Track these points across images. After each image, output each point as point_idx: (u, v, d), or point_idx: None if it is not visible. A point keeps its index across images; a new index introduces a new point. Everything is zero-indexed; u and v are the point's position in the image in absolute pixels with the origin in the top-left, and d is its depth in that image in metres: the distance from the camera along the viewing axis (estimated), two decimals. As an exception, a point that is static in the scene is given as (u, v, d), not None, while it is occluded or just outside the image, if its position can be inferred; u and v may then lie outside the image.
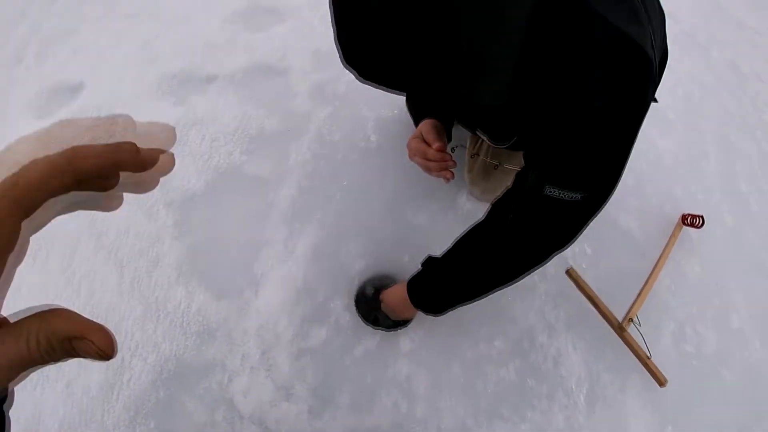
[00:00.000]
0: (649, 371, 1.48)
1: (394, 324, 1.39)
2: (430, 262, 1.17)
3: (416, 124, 1.20)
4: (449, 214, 1.60)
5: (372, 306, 1.39)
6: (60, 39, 2.25)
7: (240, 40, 1.99)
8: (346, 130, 1.73)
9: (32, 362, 0.29)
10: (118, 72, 1.99)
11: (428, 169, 1.09)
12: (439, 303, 1.17)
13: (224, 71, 1.89)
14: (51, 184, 0.29)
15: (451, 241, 1.13)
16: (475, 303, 1.18)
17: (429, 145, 1.08)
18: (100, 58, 2.08)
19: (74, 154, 0.31)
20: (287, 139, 1.70)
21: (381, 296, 1.35)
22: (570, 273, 1.53)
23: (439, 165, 1.06)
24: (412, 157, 1.12)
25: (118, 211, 0.93)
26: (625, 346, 1.49)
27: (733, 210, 2.02)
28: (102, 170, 0.32)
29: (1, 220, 0.28)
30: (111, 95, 1.90)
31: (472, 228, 1.09)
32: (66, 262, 1.49)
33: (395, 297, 1.28)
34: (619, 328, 1.47)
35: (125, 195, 0.38)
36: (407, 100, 1.29)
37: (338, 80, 1.86)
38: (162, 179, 1.08)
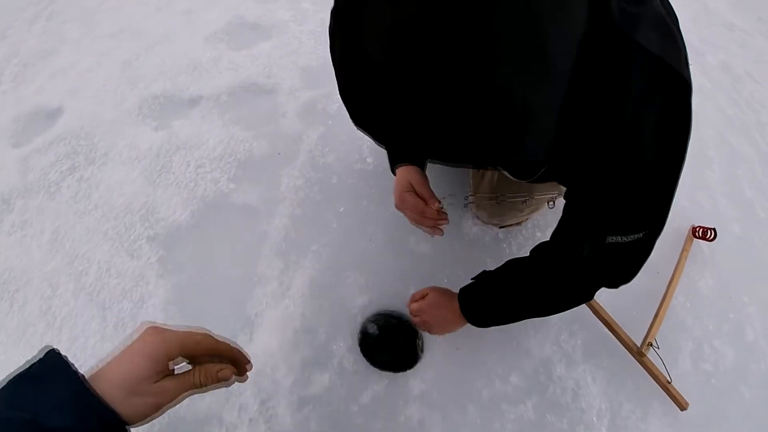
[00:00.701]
0: (670, 396, 1.39)
1: (402, 365, 1.26)
2: (484, 276, 1.16)
3: (392, 162, 1.13)
4: (455, 241, 1.48)
5: (377, 346, 1.26)
6: (39, 61, 2.11)
7: (224, 59, 1.86)
8: (340, 152, 1.60)
9: (193, 388, 0.58)
10: (98, 94, 1.86)
11: (419, 224, 1.08)
12: (488, 318, 1.17)
13: (208, 92, 1.75)
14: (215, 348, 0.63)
15: (505, 262, 1.14)
16: (489, 335, 1.20)
17: (424, 200, 1.06)
18: (79, 80, 1.95)
19: (217, 343, 0.64)
20: (277, 163, 1.56)
21: (418, 307, 1.22)
22: None
23: (434, 222, 1.05)
24: (403, 210, 1.09)
25: (97, 247, 1.25)
26: (645, 372, 1.40)
27: (740, 217, 1.94)
28: (227, 355, 0.66)
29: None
30: (90, 120, 1.77)
31: (535, 259, 1.06)
32: (45, 304, 1.36)
33: (442, 307, 1.19)
34: (639, 354, 1.38)
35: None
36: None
37: (329, 97, 1.73)
38: (145, 211, 1.42)
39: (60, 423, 0.47)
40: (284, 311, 1.30)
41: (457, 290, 1.20)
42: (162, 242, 1.43)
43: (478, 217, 1.49)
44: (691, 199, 1.89)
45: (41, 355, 0.52)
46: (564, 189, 1.12)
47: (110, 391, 0.51)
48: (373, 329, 1.27)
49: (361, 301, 1.33)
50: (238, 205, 1.49)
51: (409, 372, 1.27)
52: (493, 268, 1.28)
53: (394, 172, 1.14)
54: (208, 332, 0.61)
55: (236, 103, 1.72)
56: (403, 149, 0.57)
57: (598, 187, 0.78)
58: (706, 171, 2.03)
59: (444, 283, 1.41)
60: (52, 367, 0.51)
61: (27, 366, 0.51)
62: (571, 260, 0.95)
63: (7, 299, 1.37)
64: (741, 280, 1.75)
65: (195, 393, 0.59)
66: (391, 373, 1.26)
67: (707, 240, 1.72)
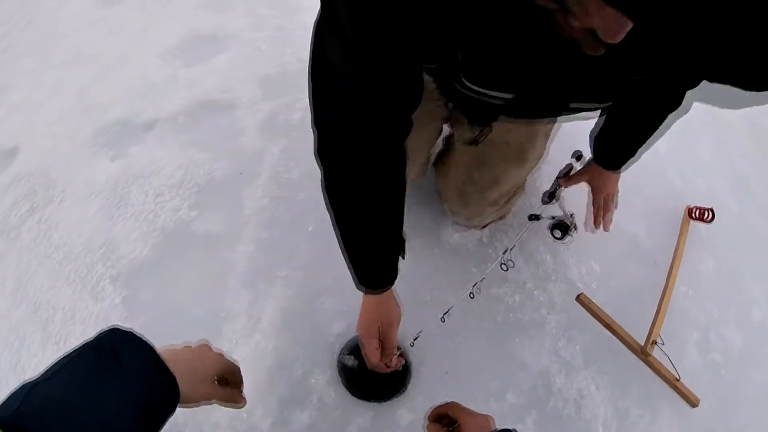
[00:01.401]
0: (679, 394, 1.31)
1: (388, 394, 1.15)
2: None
3: (364, 281, 0.97)
4: (435, 250, 1.37)
5: (359, 376, 1.16)
6: None
7: (180, 77, 1.74)
8: (305, 165, 1.47)
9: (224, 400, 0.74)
10: (53, 128, 1.75)
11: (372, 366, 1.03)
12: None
13: (164, 114, 1.64)
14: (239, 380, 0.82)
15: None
16: (479, 351, 1.22)
17: (386, 352, 1.01)
18: (34, 115, 1.84)
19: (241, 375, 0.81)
20: (239, 184, 1.45)
21: None
22: (581, 299, 1.32)
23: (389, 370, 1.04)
24: (362, 348, 1.02)
25: (60, 292, 1.21)
26: (651, 372, 1.31)
27: (735, 193, 1.85)
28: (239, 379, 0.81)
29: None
30: (46, 156, 1.66)
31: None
32: (14, 357, 1.27)
33: None
34: (644, 354, 1.29)
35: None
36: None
37: (291, 107, 1.61)
38: (105, 249, 1.36)
39: (146, 385, 0.57)
40: (255, 347, 1.19)
41: (444, 307, 1.13)
42: (125, 281, 1.33)
43: (458, 223, 1.38)
44: (684, 179, 1.78)
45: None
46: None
47: (179, 374, 0.62)
48: (351, 361, 1.16)
49: (338, 328, 1.22)
50: (201, 233, 1.37)
51: (395, 400, 1.16)
52: (478, 276, 1.21)
53: (361, 288, 0.98)
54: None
55: (193, 123, 1.60)
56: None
57: None
58: (698, 148, 1.93)
59: (427, 300, 1.31)
60: (124, 338, 0.61)
61: (95, 338, 0.59)
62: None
63: (-24, 353, 1.27)
64: (742, 259, 1.67)
65: (219, 404, 0.74)
66: (376, 404, 1.15)
67: (705, 221, 1.62)
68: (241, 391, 0.80)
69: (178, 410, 1.07)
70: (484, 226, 1.42)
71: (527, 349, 1.29)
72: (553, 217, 1.33)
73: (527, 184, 1.38)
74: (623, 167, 1.26)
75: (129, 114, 1.70)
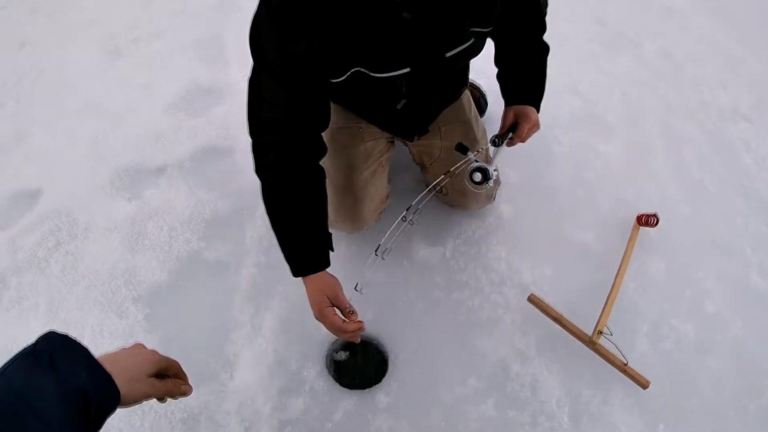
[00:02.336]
0: (629, 377, 1.55)
1: (369, 382, 1.50)
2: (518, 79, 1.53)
3: (297, 269, 1.23)
4: (404, 264, 1.75)
5: (351, 371, 1.52)
6: (12, 145, 2.38)
7: (184, 126, 2.14)
8: None
9: (167, 393, 0.82)
10: (72, 173, 2.13)
11: (339, 336, 1.24)
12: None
13: (172, 160, 2.04)
14: (180, 372, 0.89)
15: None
16: (445, 346, 1.54)
17: (344, 313, 1.22)
18: (53, 161, 2.22)
19: (181, 368, 0.90)
20: (241, 218, 1.85)
21: None
22: (531, 299, 1.63)
23: (354, 334, 1.20)
24: (323, 323, 1.22)
25: (89, 313, 1.58)
26: (601, 359, 1.56)
27: (689, 197, 2.14)
28: (179, 372, 0.89)
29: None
30: (68, 198, 2.04)
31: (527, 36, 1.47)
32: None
33: None
34: (590, 342, 1.55)
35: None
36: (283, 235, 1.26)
37: None
38: (127, 276, 1.72)
39: (81, 384, 0.62)
40: (258, 349, 1.55)
41: (412, 315, 1.52)
42: (146, 302, 1.69)
43: (467, 208, 1.81)
44: (636, 189, 2.11)
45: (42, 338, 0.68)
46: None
47: (115, 373, 0.68)
48: (337, 357, 1.52)
49: (326, 331, 1.55)
50: (210, 260, 1.76)
51: (375, 387, 1.51)
52: (443, 285, 1.63)
53: (296, 275, 1.23)
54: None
55: (199, 167, 2.00)
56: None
57: None
58: (648, 159, 2.26)
59: (399, 305, 1.66)
60: (59, 342, 0.67)
61: (32, 345, 0.66)
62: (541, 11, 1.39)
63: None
64: (695, 258, 1.94)
65: (164, 396, 0.83)
66: (359, 391, 1.50)
67: (651, 226, 1.91)
68: (186, 382, 0.89)
69: (192, 403, 1.42)
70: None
71: (486, 343, 1.62)
72: (477, 161, 1.35)
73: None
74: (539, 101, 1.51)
75: (141, 160, 2.08)
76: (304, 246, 1.22)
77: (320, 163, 1.27)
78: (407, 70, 1.17)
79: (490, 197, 1.80)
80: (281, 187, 1.20)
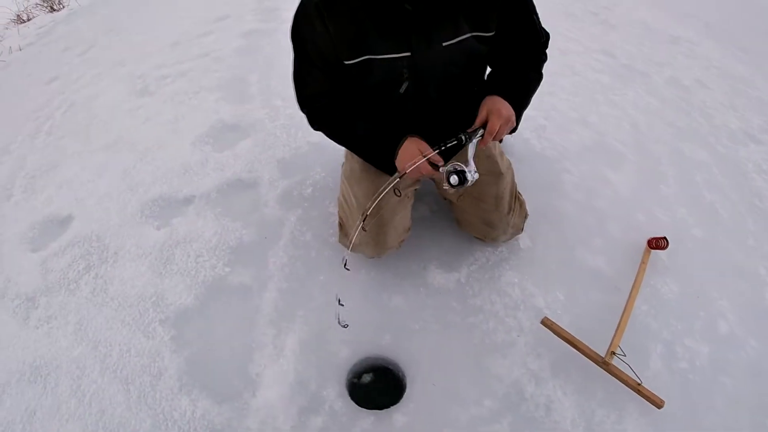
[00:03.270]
0: (643, 397, 1.58)
1: (386, 403, 1.60)
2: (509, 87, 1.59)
3: (392, 145, 1.49)
4: (421, 291, 1.85)
5: (373, 392, 1.63)
6: (44, 174, 2.61)
7: (211, 161, 2.32)
8: (316, 229, 2.04)
9: None
10: (103, 202, 2.32)
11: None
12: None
13: (200, 191, 2.20)
14: None
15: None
16: (461, 368, 1.63)
17: (435, 161, 1.43)
18: (84, 190, 2.42)
19: None
20: (264, 246, 1.99)
21: None
22: (544, 322, 1.70)
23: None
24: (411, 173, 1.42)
25: (117, 332, 1.64)
26: (615, 380, 1.60)
27: (701, 221, 2.23)
28: None
29: None
30: (98, 225, 2.21)
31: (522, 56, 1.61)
32: (75, 384, 1.69)
33: None
34: (604, 363, 1.60)
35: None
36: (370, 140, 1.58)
37: (303, 183, 2.20)
38: (155, 298, 1.82)
39: None
40: (280, 369, 1.66)
41: (428, 338, 1.62)
42: (173, 323, 1.81)
43: (495, 240, 1.92)
44: (647, 214, 2.20)
45: None
46: None
47: None
48: (357, 380, 1.64)
49: (345, 354, 1.69)
50: (234, 285, 1.89)
51: (392, 408, 1.59)
52: (458, 309, 1.74)
53: (390, 161, 1.50)
54: None
55: (224, 199, 2.17)
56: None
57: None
58: (661, 186, 2.36)
59: (416, 329, 1.77)
60: None
61: None
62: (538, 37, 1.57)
63: (41, 382, 1.71)
64: (708, 279, 2.01)
65: None
66: (376, 411, 1.59)
67: (661, 249, 2.00)
68: None
69: (215, 419, 1.59)
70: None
71: (501, 365, 1.69)
72: (455, 163, 1.39)
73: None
74: (518, 100, 1.56)
75: (169, 191, 2.26)
76: (385, 134, 1.52)
77: (350, 190, 1.69)
78: (408, 54, 1.42)
79: (519, 228, 1.91)
80: (348, 117, 1.57)
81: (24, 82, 3.73)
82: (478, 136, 1.42)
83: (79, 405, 1.64)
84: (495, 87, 1.52)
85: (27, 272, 2.06)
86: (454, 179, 1.35)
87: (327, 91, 1.55)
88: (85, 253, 2.08)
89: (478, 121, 1.44)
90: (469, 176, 1.35)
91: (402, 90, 1.51)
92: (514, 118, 1.46)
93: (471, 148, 1.42)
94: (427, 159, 1.38)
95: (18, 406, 1.65)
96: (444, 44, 1.42)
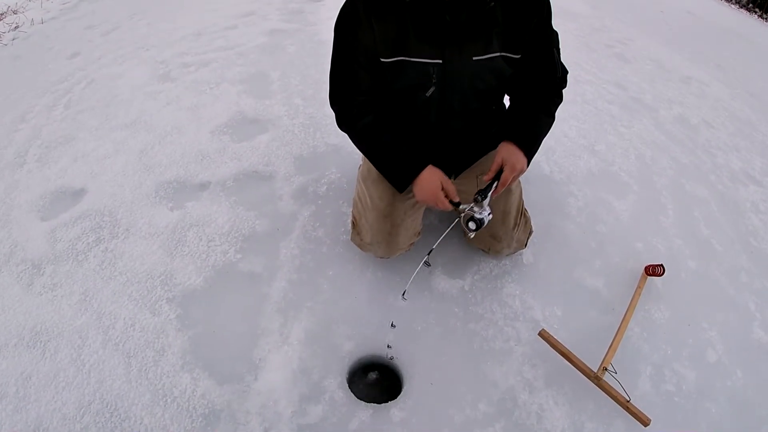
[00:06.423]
0: (631, 414, 1.64)
1: (385, 398, 1.66)
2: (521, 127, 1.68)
3: (413, 170, 1.59)
4: (425, 294, 1.92)
5: (375, 387, 1.70)
6: (60, 145, 2.64)
7: (229, 150, 2.38)
8: (328, 226, 2.10)
9: None
10: (117, 179, 2.36)
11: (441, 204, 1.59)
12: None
13: (216, 178, 2.26)
14: None
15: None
16: (459, 370, 1.69)
17: (451, 198, 1.59)
18: (99, 165, 2.46)
19: None
20: (276, 237, 2.04)
21: None
22: (542, 334, 1.76)
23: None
24: (437, 199, 1.57)
25: (122, 306, 1.65)
26: (605, 395, 1.66)
27: (696, 253, 2.32)
28: None
29: None
30: (112, 200, 2.25)
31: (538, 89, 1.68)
32: (75, 353, 1.71)
33: None
34: (595, 378, 1.66)
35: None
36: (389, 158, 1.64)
37: (318, 181, 2.26)
38: (164, 277, 1.86)
39: None
40: (284, 356, 1.70)
41: (429, 339, 1.68)
42: (180, 303, 1.85)
43: (499, 252, 1.96)
44: (645, 243, 2.29)
45: None
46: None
47: None
48: (359, 375, 1.71)
49: (348, 347, 1.75)
50: (244, 272, 1.94)
51: (390, 402, 1.65)
52: (460, 315, 1.80)
53: (407, 182, 1.60)
54: None
55: (240, 188, 2.22)
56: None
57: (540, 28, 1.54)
58: (659, 216, 2.46)
59: (418, 330, 1.83)
60: None
61: None
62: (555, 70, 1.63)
63: (39, 347, 1.72)
64: (699, 309, 2.09)
65: None
66: (375, 404, 1.64)
67: (657, 275, 2.07)
68: None
69: (216, 399, 1.66)
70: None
71: (497, 372, 1.75)
72: (472, 209, 1.54)
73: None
74: (530, 148, 1.65)
75: (185, 175, 2.31)
76: (410, 154, 1.60)
77: (366, 190, 1.76)
78: (440, 61, 1.51)
79: (522, 243, 1.98)
80: (378, 124, 1.63)
81: (45, 54, 3.77)
82: (491, 190, 1.56)
83: (78, 374, 1.66)
84: (510, 132, 1.63)
85: (34, 239, 2.09)
86: (472, 225, 1.52)
87: (362, 89, 1.61)
88: (95, 227, 2.12)
89: (494, 167, 1.59)
90: (485, 221, 1.53)
91: (428, 94, 1.59)
92: (526, 168, 1.62)
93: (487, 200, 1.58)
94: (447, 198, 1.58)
95: (13, 369, 1.66)
96: (474, 58, 1.51)
